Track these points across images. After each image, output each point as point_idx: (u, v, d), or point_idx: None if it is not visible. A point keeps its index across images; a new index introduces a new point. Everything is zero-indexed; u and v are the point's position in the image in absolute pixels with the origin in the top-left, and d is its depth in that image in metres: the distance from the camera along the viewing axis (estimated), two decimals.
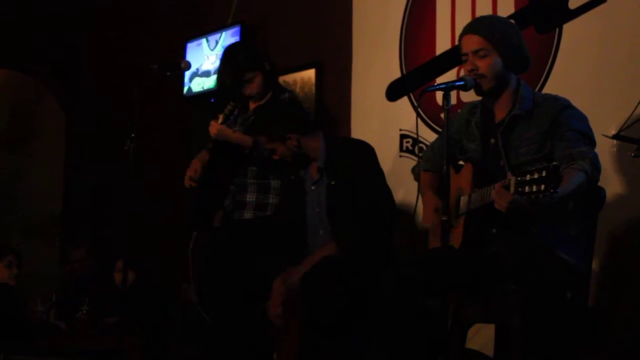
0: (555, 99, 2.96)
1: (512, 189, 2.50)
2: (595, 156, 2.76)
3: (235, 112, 3.95)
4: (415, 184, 3.33)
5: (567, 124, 2.84)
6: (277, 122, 3.56)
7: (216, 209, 4.09)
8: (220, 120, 3.89)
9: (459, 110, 3.26)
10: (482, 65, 2.93)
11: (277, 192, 3.94)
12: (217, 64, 5.41)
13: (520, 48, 2.97)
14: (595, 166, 2.73)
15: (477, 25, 2.99)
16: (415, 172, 3.38)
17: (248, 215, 3.94)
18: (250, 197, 3.95)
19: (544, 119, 2.89)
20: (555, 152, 2.80)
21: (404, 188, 3.91)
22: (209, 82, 5.47)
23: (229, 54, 4.02)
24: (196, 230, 4.23)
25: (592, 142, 2.86)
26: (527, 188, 2.43)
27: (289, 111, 3.67)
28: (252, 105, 4.00)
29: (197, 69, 5.56)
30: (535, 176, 2.41)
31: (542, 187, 2.39)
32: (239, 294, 3.88)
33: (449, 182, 2.80)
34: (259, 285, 3.76)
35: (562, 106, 2.89)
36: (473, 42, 2.94)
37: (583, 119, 2.90)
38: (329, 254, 3.44)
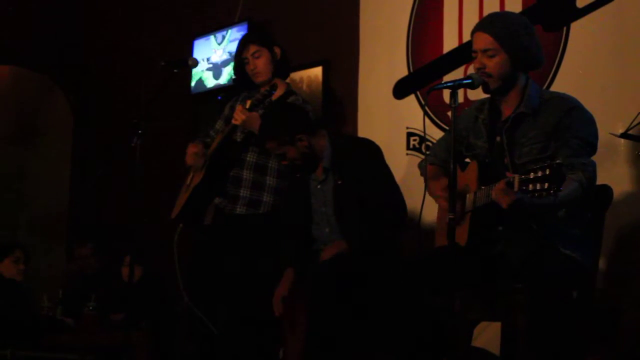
0: (562, 98, 2.94)
1: (516, 186, 2.51)
2: (594, 169, 2.78)
3: (267, 101, 3.82)
4: (421, 182, 3.33)
5: (572, 129, 2.83)
6: (285, 125, 3.54)
7: (207, 205, 4.08)
8: (247, 106, 3.78)
9: (468, 107, 3.26)
10: (490, 64, 2.92)
11: (272, 191, 3.92)
12: (224, 57, 5.42)
13: (529, 48, 2.94)
14: (592, 180, 2.76)
15: (488, 24, 2.97)
16: (422, 166, 3.38)
17: (240, 210, 3.92)
18: (244, 192, 3.93)
19: (549, 118, 2.88)
20: (557, 158, 2.79)
21: (411, 186, 3.90)
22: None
23: (243, 35, 4.10)
24: (186, 226, 4.21)
25: (594, 150, 2.87)
26: (530, 186, 2.44)
27: (294, 112, 3.67)
28: None
29: (208, 58, 5.58)
30: (539, 174, 2.42)
31: (546, 185, 2.40)
32: (230, 288, 3.88)
33: (456, 180, 2.79)
34: (249, 281, 3.77)
35: (569, 107, 2.88)
36: (482, 41, 2.94)
37: (589, 122, 2.89)
38: (339, 252, 3.45)
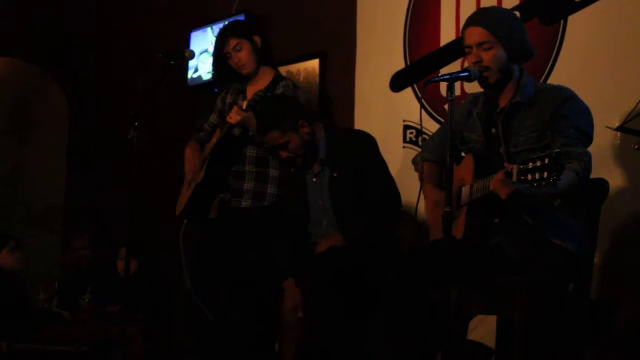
0: (558, 89, 2.95)
1: (514, 177, 2.50)
2: (590, 159, 2.77)
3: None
4: (417, 176, 3.33)
5: (569, 119, 2.83)
6: (285, 110, 3.52)
7: (212, 200, 4.08)
8: (244, 107, 3.77)
9: (461, 102, 3.26)
10: (487, 57, 2.91)
11: (276, 183, 3.93)
12: None
13: (523, 40, 2.96)
14: (588, 170, 2.75)
15: (481, 17, 2.97)
16: (417, 163, 3.38)
17: (246, 204, 3.93)
18: (248, 186, 3.93)
19: (545, 108, 2.88)
20: (554, 147, 2.79)
21: (407, 179, 3.90)
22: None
23: (220, 30, 4.09)
24: (191, 221, 4.21)
25: (590, 141, 2.86)
26: (529, 176, 2.43)
27: (290, 100, 3.66)
28: (249, 92, 3.97)
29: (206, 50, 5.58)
30: (538, 164, 2.41)
31: (545, 174, 2.39)
32: (235, 282, 3.88)
33: (452, 174, 2.79)
34: (255, 275, 3.77)
35: (565, 97, 2.88)
36: (477, 35, 2.93)
37: (585, 112, 2.89)
38: (335, 245, 3.44)
